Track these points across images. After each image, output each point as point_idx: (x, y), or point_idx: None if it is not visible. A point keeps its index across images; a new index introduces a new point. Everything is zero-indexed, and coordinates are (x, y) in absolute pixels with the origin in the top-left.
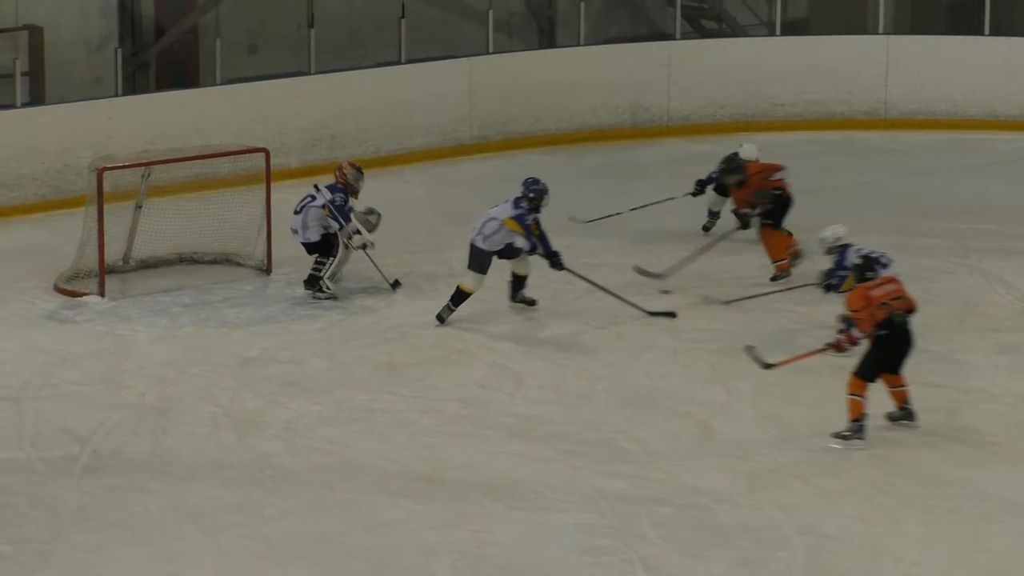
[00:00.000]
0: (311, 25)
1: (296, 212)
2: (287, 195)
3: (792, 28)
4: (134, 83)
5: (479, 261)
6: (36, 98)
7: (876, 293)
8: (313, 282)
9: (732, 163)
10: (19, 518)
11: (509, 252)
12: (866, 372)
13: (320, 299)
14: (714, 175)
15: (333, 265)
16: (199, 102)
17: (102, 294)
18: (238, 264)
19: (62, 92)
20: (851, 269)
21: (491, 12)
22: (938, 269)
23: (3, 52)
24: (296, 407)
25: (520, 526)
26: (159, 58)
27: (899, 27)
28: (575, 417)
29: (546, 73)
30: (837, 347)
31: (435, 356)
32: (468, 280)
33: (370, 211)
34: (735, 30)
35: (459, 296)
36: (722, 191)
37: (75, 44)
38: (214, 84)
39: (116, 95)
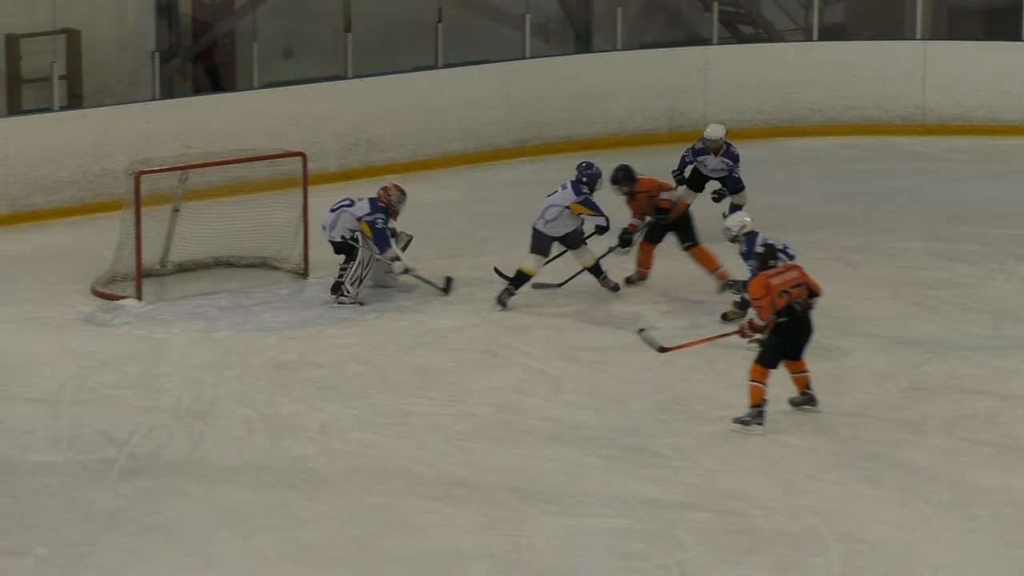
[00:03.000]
0: (348, 29)
1: (332, 210)
2: (324, 199)
3: (829, 33)
4: (171, 87)
5: (541, 244)
6: (74, 102)
7: (776, 281)
8: (337, 288)
9: (623, 173)
10: (56, 521)
11: (571, 240)
12: (767, 359)
13: (344, 304)
14: (686, 158)
15: (357, 270)
16: (236, 106)
17: (139, 297)
18: (275, 268)
19: (99, 96)
20: (753, 257)
21: (527, 17)
22: (975, 275)
23: (40, 55)
24: (332, 411)
25: (556, 531)
26: (196, 62)
27: (936, 33)
28: (611, 422)
29: (582, 78)
30: (740, 333)
31: (470, 360)
32: (529, 262)
33: (403, 233)
34: (772, 35)
35: (520, 278)
36: (693, 184)
37: (112, 48)
38: (251, 88)
39: (153, 99)
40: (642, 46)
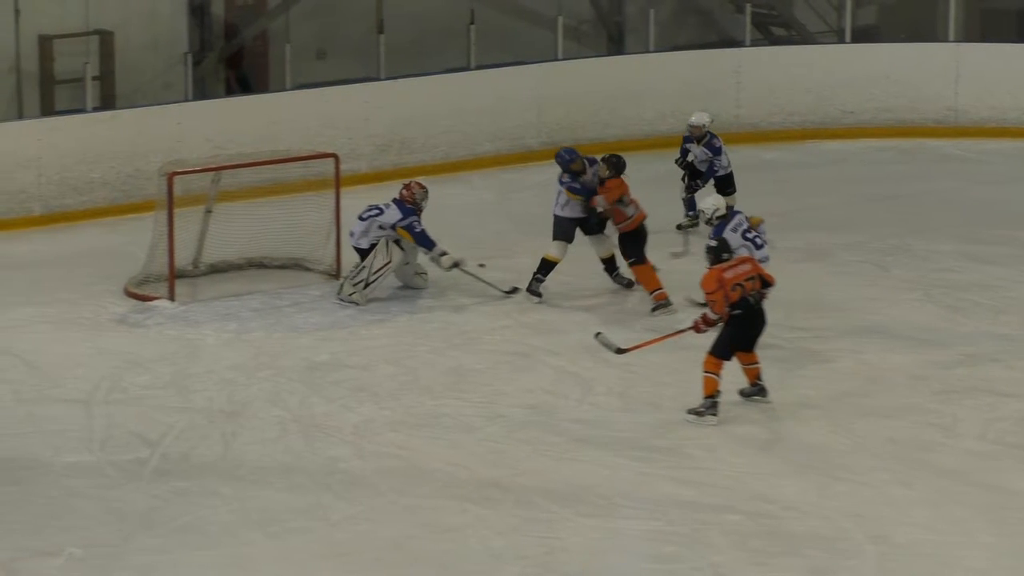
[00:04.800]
0: (380, 31)
1: (361, 219)
2: (356, 200)
3: (862, 35)
4: (204, 88)
5: (562, 229)
6: (107, 103)
7: (729, 275)
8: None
9: (615, 159)
10: (89, 521)
11: (590, 228)
12: (721, 351)
13: (341, 301)
14: (683, 146)
15: (362, 273)
16: (269, 107)
17: (172, 298)
18: (307, 269)
19: (132, 97)
20: (706, 251)
21: (560, 19)
22: (1008, 277)
23: (74, 57)
24: (364, 412)
25: (588, 532)
26: (229, 63)
27: (969, 35)
28: (643, 423)
29: (615, 80)
30: (695, 328)
31: (503, 361)
32: (553, 249)
33: None
34: (805, 37)
35: (546, 266)
36: (691, 176)
37: (145, 49)
38: (284, 89)
39: (186, 100)
40: (674, 48)
